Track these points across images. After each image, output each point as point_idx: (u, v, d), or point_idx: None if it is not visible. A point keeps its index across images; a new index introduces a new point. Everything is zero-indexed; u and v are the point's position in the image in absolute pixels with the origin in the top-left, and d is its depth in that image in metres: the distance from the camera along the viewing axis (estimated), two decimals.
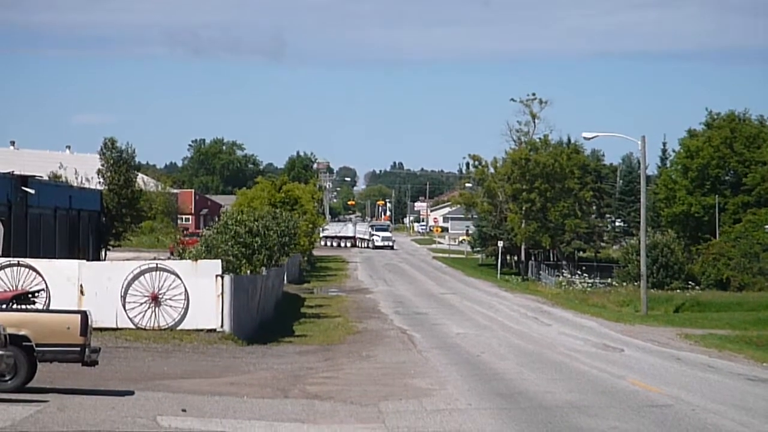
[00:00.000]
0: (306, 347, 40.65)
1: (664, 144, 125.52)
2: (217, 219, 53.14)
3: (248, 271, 48.31)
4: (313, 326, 50.49)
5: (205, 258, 43.97)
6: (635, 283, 77.56)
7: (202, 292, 38.03)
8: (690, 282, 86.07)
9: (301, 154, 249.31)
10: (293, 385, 28.34)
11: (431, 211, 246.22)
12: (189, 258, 43.99)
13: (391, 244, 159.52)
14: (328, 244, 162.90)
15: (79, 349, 23.15)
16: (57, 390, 23.81)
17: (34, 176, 60.33)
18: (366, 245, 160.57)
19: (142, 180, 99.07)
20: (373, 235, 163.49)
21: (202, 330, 37.88)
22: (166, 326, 37.85)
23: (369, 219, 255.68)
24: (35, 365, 23.00)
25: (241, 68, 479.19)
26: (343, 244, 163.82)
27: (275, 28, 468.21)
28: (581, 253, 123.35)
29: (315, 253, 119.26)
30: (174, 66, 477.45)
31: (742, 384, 31.96)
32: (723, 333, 51.52)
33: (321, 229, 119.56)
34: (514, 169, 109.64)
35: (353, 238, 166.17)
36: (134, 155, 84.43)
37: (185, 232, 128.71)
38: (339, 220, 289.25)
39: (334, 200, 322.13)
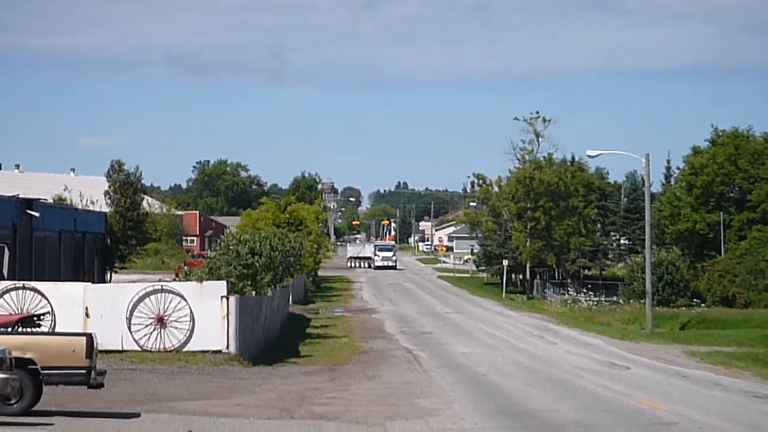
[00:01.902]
0: (312, 367, 40.62)
1: (669, 161, 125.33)
2: (218, 240, 53.10)
3: (253, 292, 48.31)
4: (318, 346, 50.47)
5: (208, 279, 44.00)
6: (641, 301, 77.52)
7: (207, 313, 38.01)
8: (695, 299, 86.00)
9: (306, 174, 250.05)
10: (299, 405, 28.31)
11: (436, 230, 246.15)
12: (194, 280, 43.96)
13: (392, 264, 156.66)
14: (354, 265, 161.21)
15: (84, 371, 23.14)
16: (63, 413, 23.80)
17: (39, 199, 60.41)
18: (368, 265, 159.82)
19: (147, 202, 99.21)
20: (375, 254, 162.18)
21: (207, 351, 37.84)
22: (172, 348, 37.84)
23: (374, 239, 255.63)
24: (41, 388, 22.99)
25: (244, 89, 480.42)
26: (365, 265, 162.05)
27: (277, 49, 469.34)
28: (586, 271, 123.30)
29: (320, 273, 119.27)
30: (177, 87, 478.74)
31: (749, 401, 31.89)
32: (729, 350, 51.43)
33: (336, 249, 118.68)
34: (518, 188, 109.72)
35: (371, 258, 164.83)
36: (141, 178, 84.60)
37: (191, 253, 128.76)
38: (343, 241, 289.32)
39: (339, 220, 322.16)
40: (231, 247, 50.52)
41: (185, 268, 61.07)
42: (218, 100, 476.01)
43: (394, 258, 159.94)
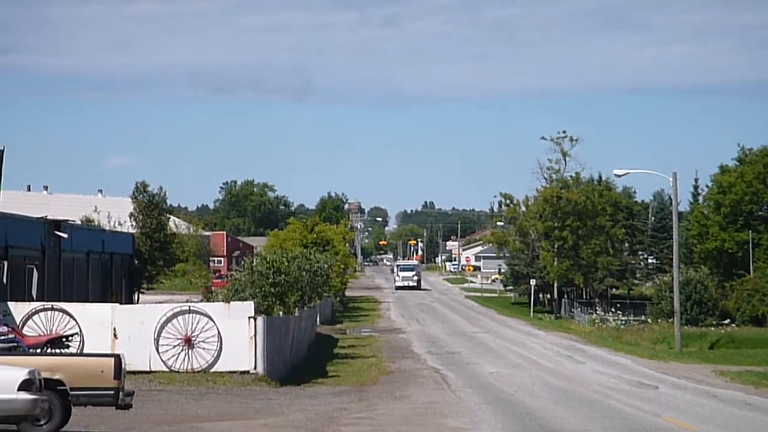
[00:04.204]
0: (339, 388, 40.58)
1: (696, 180, 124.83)
2: (242, 261, 53.22)
3: (280, 313, 48.34)
4: (346, 367, 50.42)
5: (233, 300, 44.06)
6: (669, 320, 77.17)
7: (235, 333, 38.05)
8: (724, 318, 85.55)
9: (332, 194, 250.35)
10: (327, 426, 28.28)
11: (463, 250, 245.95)
12: (220, 300, 44.01)
13: (413, 284, 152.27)
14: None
15: (113, 392, 23.20)
16: None
17: (67, 220, 60.66)
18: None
19: (174, 223, 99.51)
20: (396, 274, 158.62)
21: (235, 372, 37.88)
22: (200, 368, 37.88)
23: (400, 259, 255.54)
24: (70, 409, 23.04)
25: (269, 108, 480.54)
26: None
27: (300, 68, 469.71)
28: (614, 290, 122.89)
29: (348, 293, 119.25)
30: (202, 107, 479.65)
31: None
32: (759, 370, 51.06)
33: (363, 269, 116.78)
34: (545, 207, 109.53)
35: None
36: (165, 198, 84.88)
37: (217, 274, 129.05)
38: (370, 261, 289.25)
39: (366, 240, 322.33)
40: (255, 268, 50.57)
41: (213, 288, 61.27)
42: (243, 120, 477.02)
43: (415, 278, 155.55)
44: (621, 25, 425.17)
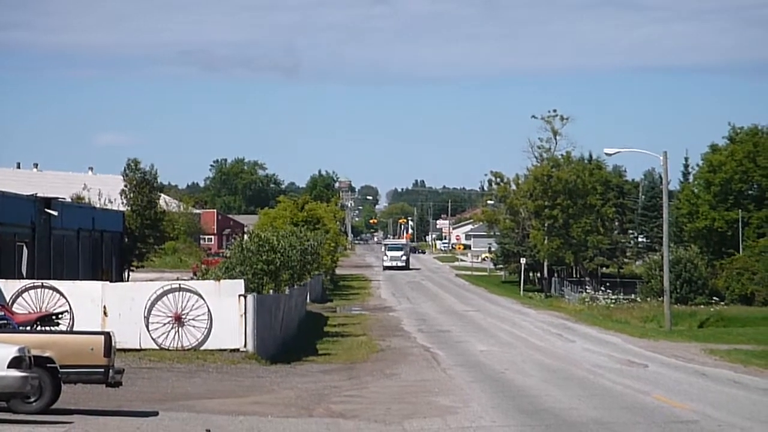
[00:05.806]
0: (330, 366, 40.63)
1: (687, 159, 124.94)
2: (233, 239, 53.15)
3: (271, 290, 48.32)
4: (336, 345, 50.47)
5: (224, 278, 44.06)
6: (659, 299, 77.34)
7: (225, 311, 38.03)
8: (714, 297, 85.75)
9: (323, 173, 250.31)
10: (317, 404, 28.32)
11: (453, 228, 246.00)
12: (211, 278, 44.01)
13: (401, 264, 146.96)
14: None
15: (102, 370, 23.19)
16: (81, 411, 23.84)
17: (57, 198, 60.51)
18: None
19: (164, 201, 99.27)
20: (384, 254, 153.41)
21: (225, 350, 37.88)
22: (190, 346, 37.87)
23: (391, 237, 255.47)
24: (60, 386, 23.03)
25: (259, 86, 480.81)
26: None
27: (291, 46, 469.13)
28: (604, 269, 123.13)
29: (338, 271, 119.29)
30: (194, 86, 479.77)
31: None
32: (748, 348, 51.22)
33: (354, 247, 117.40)
34: (536, 186, 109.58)
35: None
36: (157, 176, 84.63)
37: (208, 252, 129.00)
38: (361, 239, 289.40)
39: (356, 219, 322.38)
40: (246, 246, 50.53)
41: (203, 266, 61.19)
42: (234, 98, 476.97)
43: (404, 258, 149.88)
44: (614, 4, 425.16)
